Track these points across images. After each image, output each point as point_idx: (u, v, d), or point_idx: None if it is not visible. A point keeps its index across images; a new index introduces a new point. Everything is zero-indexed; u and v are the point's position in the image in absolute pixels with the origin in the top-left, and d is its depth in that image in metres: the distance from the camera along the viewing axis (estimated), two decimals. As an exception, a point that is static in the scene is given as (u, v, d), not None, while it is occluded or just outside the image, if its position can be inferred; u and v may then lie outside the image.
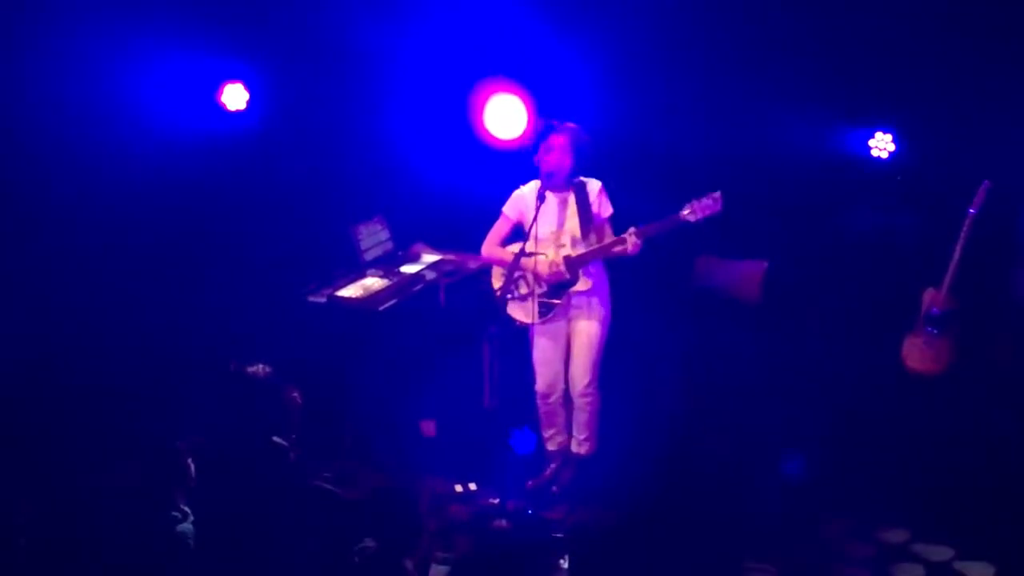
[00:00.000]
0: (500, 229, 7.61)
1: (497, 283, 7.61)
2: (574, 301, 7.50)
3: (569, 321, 7.56)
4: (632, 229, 7.30)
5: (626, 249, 7.33)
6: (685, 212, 7.27)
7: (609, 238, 7.42)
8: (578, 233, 7.42)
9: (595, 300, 7.51)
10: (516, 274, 7.42)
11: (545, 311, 7.51)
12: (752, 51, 8.44)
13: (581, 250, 7.42)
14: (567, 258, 7.42)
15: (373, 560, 5.44)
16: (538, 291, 7.49)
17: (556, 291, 7.49)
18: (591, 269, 7.46)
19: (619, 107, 8.45)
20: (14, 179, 8.98)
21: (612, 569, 6.16)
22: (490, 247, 7.63)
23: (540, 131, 7.41)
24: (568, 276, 7.44)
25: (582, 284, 7.45)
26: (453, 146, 8.94)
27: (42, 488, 6.00)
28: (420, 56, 8.96)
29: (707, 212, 7.27)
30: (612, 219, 7.47)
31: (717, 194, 7.23)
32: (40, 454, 6.21)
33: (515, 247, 7.45)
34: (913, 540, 7.35)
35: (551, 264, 7.43)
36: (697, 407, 8.30)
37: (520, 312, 7.56)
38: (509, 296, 7.49)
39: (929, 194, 8.26)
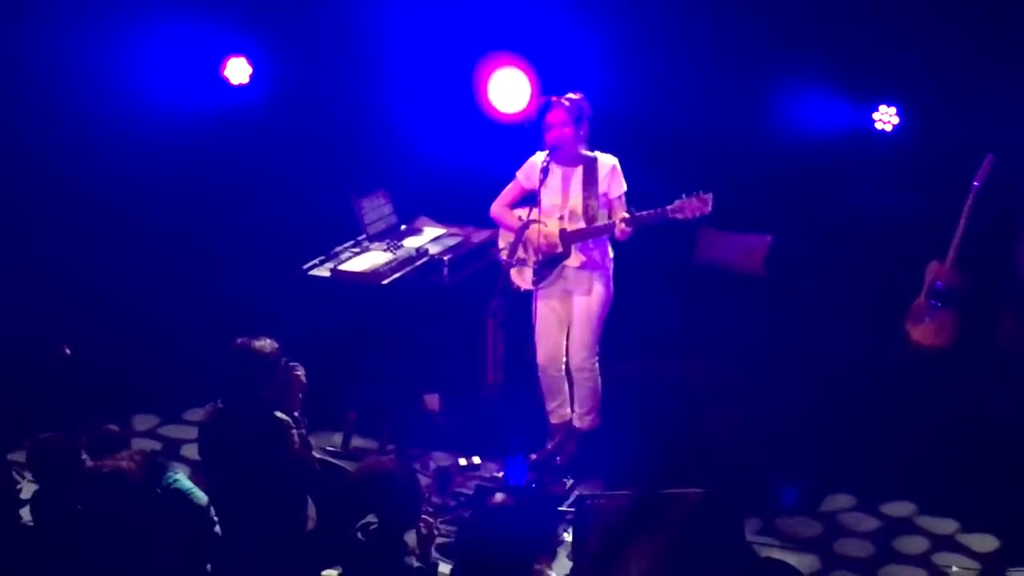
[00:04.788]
0: (509, 192, 7.60)
1: (503, 243, 7.64)
2: (569, 275, 7.49)
3: (569, 295, 7.55)
4: (623, 215, 7.24)
5: (615, 234, 7.29)
6: (672, 208, 7.10)
7: (604, 220, 7.36)
8: (579, 209, 7.38)
9: (592, 277, 7.46)
10: (519, 240, 7.42)
11: (539, 279, 7.50)
12: (755, 25, 8.40)
13: (577, 226, 7.39)
14: (562, 232, 7.40)
15: (376, 535, 5.45)
16: (534, 259, 7.49)
17: (550, 262, 7.47)
18: (589, 245, 7.42)
19: (622, 81, 8.42)
20: (16, 154, 8.97)
21: (615, 542, 6.18)
22: (497, 207, 7.64)
23: (541, 109, 7.37)
24: (560, 249, 7.43)
25: (574, 259, 7.42)
26: (457, 120, 8.92)
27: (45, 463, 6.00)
28: (424, 29, 8.93)
29: (695, 213, 7.06)
30: (626, 197, 7.36)
31: (708, 196, 7.02)
32: (40, 428, 6.20)
33: (521, 212, 7.45)
34: (917, 514, 7.37)
35: (547, 235, 7.41)
36: (700, 382, 8.30)
37: (519, 277, 7.56)
38: (513, 262, 7.48)
39: (933, 167, 8.24)
